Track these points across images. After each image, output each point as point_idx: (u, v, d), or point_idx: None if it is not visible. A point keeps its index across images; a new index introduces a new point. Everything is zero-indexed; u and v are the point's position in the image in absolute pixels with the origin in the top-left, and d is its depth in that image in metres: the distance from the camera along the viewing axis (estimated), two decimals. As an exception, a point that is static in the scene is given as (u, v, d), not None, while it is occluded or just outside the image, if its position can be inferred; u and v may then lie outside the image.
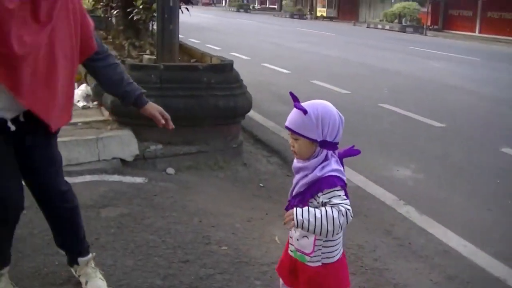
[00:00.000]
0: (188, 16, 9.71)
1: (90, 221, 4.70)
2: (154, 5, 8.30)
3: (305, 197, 2.66)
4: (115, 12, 10.37)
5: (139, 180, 5.88)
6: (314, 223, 2.52)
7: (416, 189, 6.50)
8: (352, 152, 2.79)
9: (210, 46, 21.38)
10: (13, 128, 2.97)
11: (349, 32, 36.05)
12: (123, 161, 6.28)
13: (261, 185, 6.25)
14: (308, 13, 62.41)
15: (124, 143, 6.36)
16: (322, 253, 2.73)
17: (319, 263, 2.73)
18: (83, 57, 3.12)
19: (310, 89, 12.68)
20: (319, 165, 2.66)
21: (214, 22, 41.85)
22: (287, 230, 4.71)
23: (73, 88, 3.21)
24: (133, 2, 9.23)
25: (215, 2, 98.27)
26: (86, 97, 7.98)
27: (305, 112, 2.58)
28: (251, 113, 7.79)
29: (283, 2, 67.71)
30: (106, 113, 7.09)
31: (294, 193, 2.73)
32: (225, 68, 6.96)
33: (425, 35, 40.01)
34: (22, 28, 2.66)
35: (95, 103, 7.84)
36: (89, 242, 4.01)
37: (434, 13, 44.92)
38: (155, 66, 6.73)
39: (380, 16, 48.28)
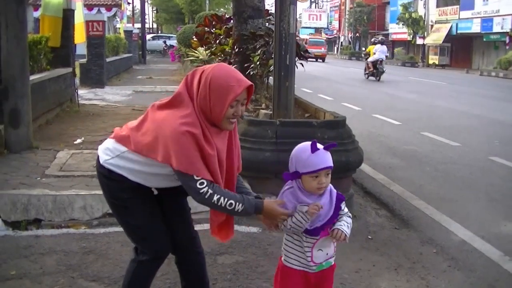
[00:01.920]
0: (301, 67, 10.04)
1: (207, 267, 5.07)
2: (270, 61, 8.72)
3: (334, 218, 3.36)
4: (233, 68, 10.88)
5: (253, 229, 6.23)
6: (349, 231, 3.36)
7: (524, 245, 6.50)
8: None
9: (322, 96, 21.73)
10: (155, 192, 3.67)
11: (461, 81, 35.51)
12: (239, 211, 6.65)
13: (369, 237, 6.42)
14: (420, 60, 61.97)
15: (241, 194, 6.73)
16: None
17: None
18: None
19: (420, 141, 12.74)
20: (329, 188, 3.34)
21: (326, 70, 42.22)
22: (393, 282, 4.97)
23: None
24: (250, 58, 9.70)
25: (327, 50, 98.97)
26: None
27: (330, 147, 3.29)
28: (362, 166, 7.99)
29: (395, 50, 67.53)
30: (224, 165, 7.49)
31: (320, 224, 3.32)
32: (338, 124, 7.25)
33: (541, 82, 39.04)
34: None
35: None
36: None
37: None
38: (271, 122, 7.08)
39: (494, 64, 47.39)
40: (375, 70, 32.05)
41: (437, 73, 46.85)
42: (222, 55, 11.75)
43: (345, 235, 3.30)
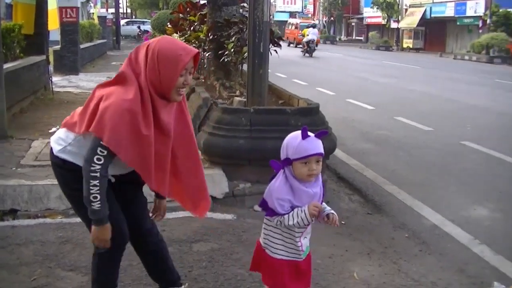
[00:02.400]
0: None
1: (183, 254, 5.18)
2: (245, 48, 8.76)
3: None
4: (207, 55, 10.93)
5: (228, 217, 6.32)
6: None
7: (493, 228, 6.63)
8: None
9: (297, 81, 21.82)
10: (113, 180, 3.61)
11: (435, 65, 35.75)
12: (213, 198, 6.70)
13: (342, 222, 6.49)
14: (394, 44, 62.20)
15: (216, 182, 6.82)
16: None
17: None
18: None
19: (393, 126, 12.88)
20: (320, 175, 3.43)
21: (300, 54, 42.29)
22: (366, 266, 5.09)
23: None
24: (225, 45, 9.74)
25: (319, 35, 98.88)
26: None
27: (322, 135, 3.35)
28: (336, 151, 8.09)
29: (370, 34, 67.70)
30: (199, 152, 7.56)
31: None
32: (311, 111, 7.35)
33: (514, 66, 39.43)
34: None
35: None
36: (183, 274, 4.49)
37: (524, 44, 44.01)
38: (246, 110, 7.17)
39: (468, 47, 47.72)
40: (308, 48, 41.08)
41: (411, 57, 47.11)
42: (197, 42, 11.74)
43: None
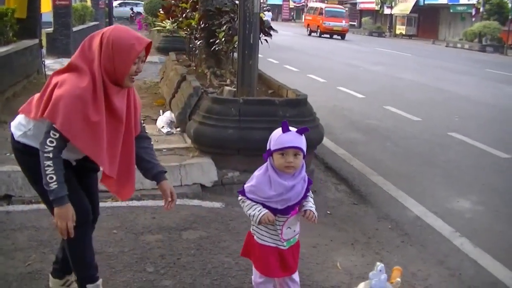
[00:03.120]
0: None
1: (172, 242, 5.33)
2: (235, 37, 8.87)
3: (303, 198, 3.67)
4: (198, 43, 11.03)
5: (217, 205, 6.47)
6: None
7: (474, 221, 6.80)
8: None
9: (288, 67, 21.93)
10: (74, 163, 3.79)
11: (427, 53, 35.88)
12: (202, 186, 6.89)
13: (328, 212, 6.68)
14: (387, 30, 62.28)
15: (205, 170, 6.98)
16: None
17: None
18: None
19: (383, 115, 13.03)
20: (304, 174, 3.67)
21: (292, 40, 42.20)
22: (349, 256, 5.26)
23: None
24: (216, 34, 9.84)
25: (294, 18, 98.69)
26: (170, 124, 8.65)
27: (303, 131, 3.58)
28: (324, 140, 8.23)
29: (363, 20, 67.74)
30: (188, 140, 7.72)
31: (290, 204, 3.60)
32: (300, 103, 7.50)
33: (506, 54, 39.58)
34: None
35: (178, 129, 8.50)
36: (172, 261, 4.72)
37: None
38: (235, 100, 7.31)
39: (460, 35, 47.87)
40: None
41: (404, 44, 47.20)
42: (188, 29, 11.85)
43: (315, 216, 3.65)
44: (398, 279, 3.89)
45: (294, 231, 3.74)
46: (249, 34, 7.52)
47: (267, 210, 3.54)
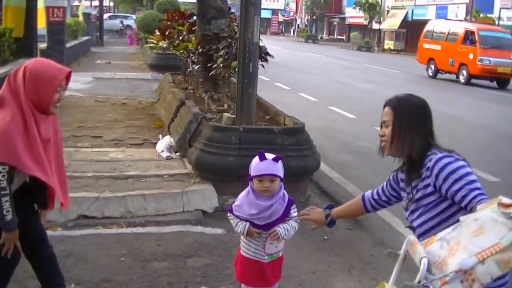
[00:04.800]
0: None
1: (179, 269, 5.56)
2: (233, 63, 9.10)
3: (282, 218, 4.05)
4: (196, 67, 11.25)
5: (219, 231, 6.68)
6: (290, 233, 4.05)
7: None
8: None
9: (280, 84, 22.13)
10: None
11: (415, 69, 36.08)
12: (204, 212, 7.12)
13: (325, 237, 6.85)
14: (375, 45, 62.76)
15: (206, 196, 7.21)
16: None
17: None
18: None
19: (374, 136, 12.78)
20: (282, 194, 4.06)
21: (282, 55, 42.05)
22: (347, 282, 5.47)
23: None
24: (213, 58, 10.06)
25: (283, 31, 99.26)
26: (170, 148, 8.87)
27: (279, 159, 4.02)
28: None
29: (351, 34, 68.24)
30: (189, 165, 7.94)
31: (270, 221, 4.02)
32: (297, 131, 7.77)
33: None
34: None
35: (178, 153, 8.71)
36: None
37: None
38: (235, 128, 7.57)
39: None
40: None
41: (392, 59, 47.57)
42: (185, 52, 12.09)
43: (279, 236, 3.99)
44: None
45: (276, 247, 4.13)
46: (248, 63, 7.79)
47: (249, 225, 4.00)
